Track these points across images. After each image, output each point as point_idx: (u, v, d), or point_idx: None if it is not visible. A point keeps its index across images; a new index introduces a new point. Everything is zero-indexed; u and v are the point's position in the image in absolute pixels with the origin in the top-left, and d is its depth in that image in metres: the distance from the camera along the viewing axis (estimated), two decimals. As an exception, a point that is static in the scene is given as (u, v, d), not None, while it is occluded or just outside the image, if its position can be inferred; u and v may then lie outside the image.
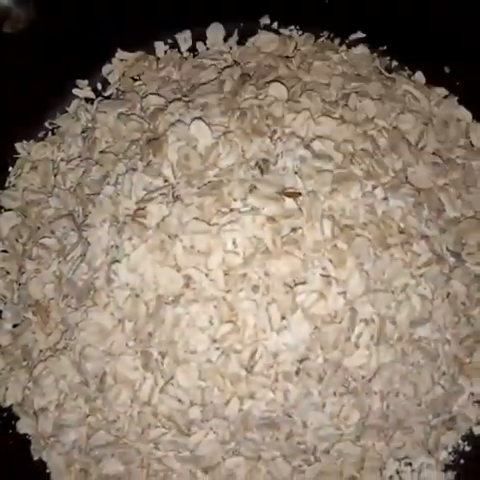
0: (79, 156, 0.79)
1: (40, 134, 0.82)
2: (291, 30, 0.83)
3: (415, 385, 0.71)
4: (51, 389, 0.73)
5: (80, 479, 0.74)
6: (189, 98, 0.76)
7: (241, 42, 0.83)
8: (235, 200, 0.69)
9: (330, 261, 0.68)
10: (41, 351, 0.74)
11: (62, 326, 0.74)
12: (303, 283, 0.67)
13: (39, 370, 0.73)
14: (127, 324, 0.69)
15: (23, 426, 0.75)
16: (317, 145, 0.71)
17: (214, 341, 0.67)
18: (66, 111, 0.82)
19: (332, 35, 0.83)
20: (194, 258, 0.67)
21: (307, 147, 0.71)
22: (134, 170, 0.72)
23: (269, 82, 0.75)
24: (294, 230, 0.68)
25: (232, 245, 0.67)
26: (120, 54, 0.83)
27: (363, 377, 0.70)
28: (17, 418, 0.75)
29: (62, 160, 0.80)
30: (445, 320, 0.72)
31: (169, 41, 0.84)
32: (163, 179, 0.71)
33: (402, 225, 0.71)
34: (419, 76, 0.81)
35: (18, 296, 0.77)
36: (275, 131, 0.72)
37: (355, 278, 0.67)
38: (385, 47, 0.82)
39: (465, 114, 0.79)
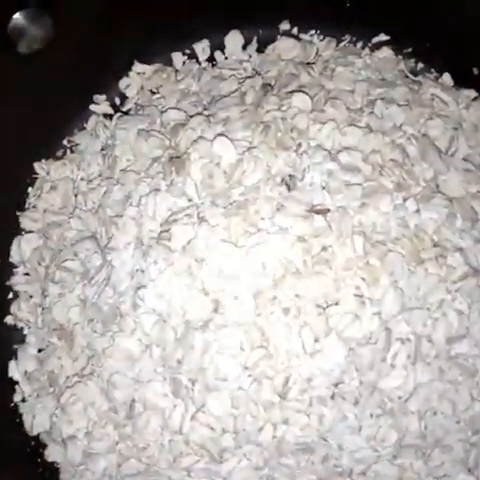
0: (100, 175, 0.78)
1: (59, 152, 0.81)
2: (312, 35, 0.82)
3: (453, 403, 0.69)
4: (79, 416, 0.73)
5: None
6: (210, 112, 0.75)
7: (261, 49, 0.82)
8: (262, 219, 0.68)
9: (363, 279, 0.67)
10: (68, 377, 0.74)
11: (88, 351, 0.73)
12: (336, 304, 0.66)
13: (66, 397, 0.72)
14: (155, 350, 0.68)
15: (52, 454, 0.74)
16: (344, 157, 0.70)
17: (245, 368, 0.66)
18: (84, 128, 0.82)
19: (354, 39, 0.81)
20: (222, 282, 0.67)
21: (334, 160, 0.70)
22: (157, 190, 0.71)
23: (291, 92, 0.74)
24: (324, 249, 0.67)
25: (261, 267, 0.66)
26: (137, 67, 0.82)
27: (400, 397, 0.68)
28: (45, 446, 0.75)
29: (82, 179, 0.79)
30: None
31: (187, 51, 0.83)
32: (187, 199, 0.70)
33: (435, 238, 0.69)
34: (446, 78, 0.79)
35: (42, 320, 0.76)
36: (300, 144, 0.71)
37: (390, 296, 0.66)
38: (410, 49, 0.80)
39: None
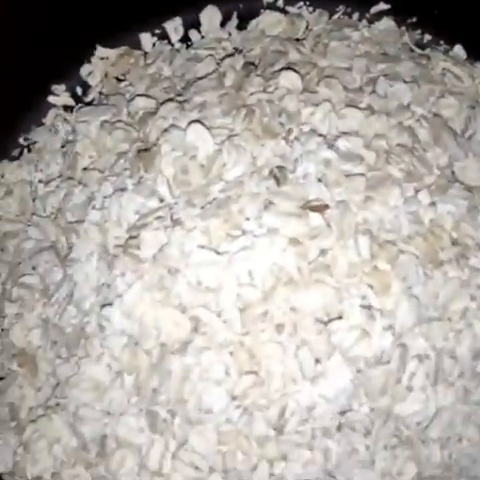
0: (59, 176, 0.76)
1: (14, 152, 0.78)
2: (300, 7, 0.80)
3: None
4: (44, 455, 0.68)
5: None
6: (184, 97, 0.72)
7: (242, 26, 0.79)
8: (248, 220, 0.64)
9: (370, 287, 0.63)
10: (30, 409, 0.70)
11: (53, 379, 0.69)
12: (339, 318, 0.62)
13: (29, 433, 0.68)
14: (127, 378, 0.65)
15: None
16: (343, 143, 0.67)
17: (233, 397, 0.63)
18: (42, 123, 0.79)
19: (350, 10, 0.79)
20: (202, 295, 0.63)
21: (331, 147, 0.66)
22: (123, 190, 0.68)
23: (279, 71, 0.71)
24: (323, 252, 0.63)
25: (247, 277, 0.63)
26: (100, 51, 0.80)
27: (418, 424, 0.65)
28: None
29: (40, 181, 0.77)
30: None
31: (157, 32, 0.80)
32: (158, 199, 0.67)
33: (455, 235, 0.66)
34: (459, 50, 0.77)
35: (0, 344, 0.73)
36: (291, 130, 0.68)
37: (403, 307, 0.62)
38: (414, 19, 0.78)
39: None
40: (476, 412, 0.66)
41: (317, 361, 0.62)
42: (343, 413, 0.63)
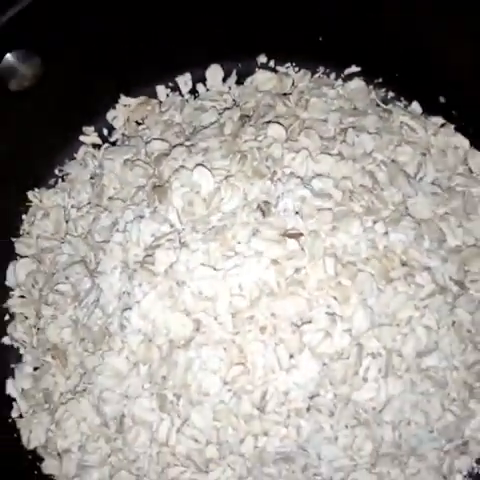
0: (89, 202, 0.80)
1: (51, 181, 0.83)
2: (288, 67, 0.84)
3: (426, 413, 0.72)
4: (73, 431, 0.75)
5: None
6: (191, 142, 0.78)
7: (240, 81, 0.84)
8: (239, 243, 0.70)
9: (334, 298, 0.69)
10: (62, 394, 0.76)
11: (81, 369, 0.75)
12: (309, 322, 0.68)
13: (61, 413, 0.74)
14: (142, 368, 0.71)
15: (48, 467, 0.76)
16: (316, 184, 0.72)
17: (226, 383, 0.68)
18: (74, 158, 0.84)
19: (328, 70, 0.84)
20: (202, 303, 0.69)
21: (307, 186, 0.72)
22: (141, 217, 0.74)
23: (268, 122, 0.77)
24: (298, 270, 0.69)
25: (238, 289, 0.68)
26: (123, 100, 0.84)
27: (373, 409, 0.70)
28: (42, 459, 0.77)
29: (73, 207, 0.81)
30: (452, 348, 0.72)
31: (170, 84, 0.85)
32: (169, 225, 0.73)
33: (404, 258, 0.71)
34: (415, 106, 0.82)
35: (37, 340, 0.78)
36: (275, 172, 0.73)
37: (359, 314, 0.68)
38: (380, 79, 0.83)
39: (463, 141, 0.79)
40: (422, 400, 0.71)
41: (291, 356, 0.68)
42: (312, 397, 0.68)
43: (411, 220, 0.73)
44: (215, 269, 0.69)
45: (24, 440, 0.77)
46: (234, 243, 0.70)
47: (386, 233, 0.72)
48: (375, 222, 0.72)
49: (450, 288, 0.73)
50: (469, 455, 0.75)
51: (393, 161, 0.76)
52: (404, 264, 0.71)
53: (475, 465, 0.77)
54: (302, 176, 0.73)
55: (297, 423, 0.69)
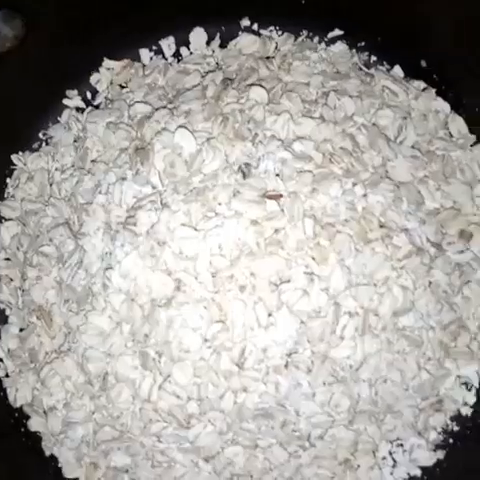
0: (72, 165, 0.81)
1: (35, 145, 0.84)
2: (271, 31, 0.85)
3: (401, 371, 0.73)
4: (58, 389, 0.76)
5: (90, 472, 0.76)
6: (174, 105, 0.78)
7: (223, 45, 0.84)
8: (220, 204, 0.71)
9: (313, 259, 0.70)
10: (47, 353, 0.77)
11: (65, 329, 0.76)
12: (287, 281, 0.69)
13: (46, 372, 0.76)
14: (124, 326, 0.72)
15: (34, 424, 0.77)
16: (297, 146, 0.73)
17: (206, 340, 0.70)
18: (58, 122, 0.84)
19: (311, 34, 0.84)
20: (183, 262, 0.70)
21: (287, 149, 0.72)
22: (124, 179, 0.74)
23: (250, 85, 0.77)
24: (277, 231, 0.70)
25: (218, 248, 0.70)
26: (107, 63, 0.85)
27: (351, 366, 0.72)
28: (28, 417, 0.78)
29: (57, 170, 0.81)
30: (428, 308, 0.73)
31: (154, 48, 0.85)
32: (151, 187, 0.73)
33: (382, 220, 0.72)
34: (397, 70, 0.82)
35: (22, 302, 0.79)
36: (256, 134, 0.74)
37: (337, 274, 0.69)
38: (363, 43, 0.83)
39: (443, 106, 0.80)
40: (398, 359, 0.72)
41: (269, 314, 0.69)
42: (290, 355, 0.69)
43: (390, 182, 0.74)
44: (196, 229, 0.70)
45: (11, 398, 0.78)
46: (215, 204, 0.71)
47: (365, 195, 0.72)
48: (354, 184, 0.72)
49: (427, 249, 0.74)
50: (443, 412, 0.77)
51: (374, 124, 0.76)
52: (382, 226, 0.72)
53: (449, 422, 0.78)
54: (283, 139, 0.73)
55: (275, 379, 0.70)
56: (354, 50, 0.83)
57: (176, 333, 0.70)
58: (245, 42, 0.83)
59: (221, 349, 0.69)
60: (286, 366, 0.70)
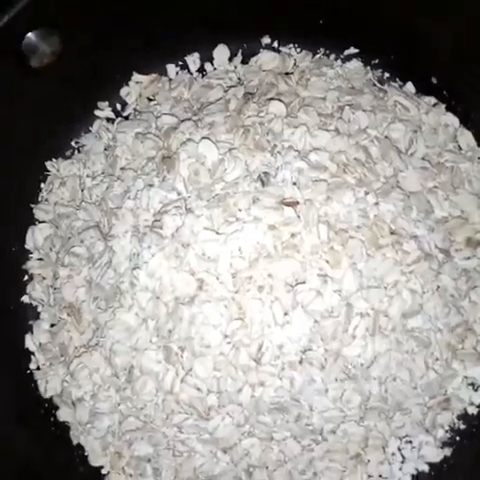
0: (102, 172, 0.83)
1: (67, 153, 0.86)
2: (290, 48, 0.87)
3: (410, 370, 0.75)
4: (86, 381, 0.78)
5: (115, 460, 0.79)
6: (198, 117, 0.81)
7: (245, 61, 0.87)
8: (240, 210, 0.73)
9: (327, 262, 0.72)
10: (76, 348, 0.79)
11: (94, 325, 0.79)
12: (303, 283, 0.72)
13: (75, 365, 0.78)
14: (150, 323, 0.74)
15: (63, 415, 0.80)
16: (313, 157, 0.75)
17: (226, 336, 0.72)
18: (90, 131, 0.87)
19: (328, 51, 0.87)
20: (205, 264, 0.72)
21: (304, 159, 0.75)
22: (151, 185, 0.77)
23: (270, 99, 0.80)
24: (293, 236, 0.72)
25: (238, 251, 0.72)
26: (136, 77, 0.87)
27: (362, 364, 0.74)
28: (57, 407, 0.80)
29: (88, 176, 0.84)
30: (436, 311, 0.75)
31: (180, 63, 0.88)
32: (176, 193, 0.76)
33: (393, 227, 0.74)
34: (409, 86, 0.85)
35: (54, 299, 0.81)
36: (275, 146, 0.76)
37: (349, 276, 0.72)
38: (377, 61, 0.86)
39: (453, 120, 0.82)
40: (407, 359, 0.74)
41: (285, 313, 0.71)
42: (304, 351, 0.72)
43: (401, 192, 0.76)
44: (217, 233, 0.72)
45: (41, 390, 0.81)
46: (235, 210, 0.73)
47: (377, 203, 0.75)
48: (367, 193, 0.75)
49: (435, 255, 0.76)
50: (451, 411, 0.79)
51: (386, 137, 0.79)
52: (392, 232, 0.74)
53: (456, 421, 0.80)
54: (300, 150, 0.76)
55: (290, 375, 0.72)
56: (368, 67, 0.86)
57: (198, 329, 0.72)
58: (265, 59, 0.86)
59: (240, 345, 0.72)
60: (300, 362, 0.72)
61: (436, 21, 0.80)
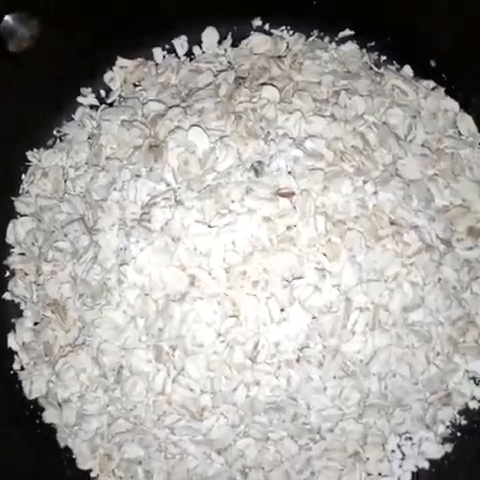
0: (86, 162, 0.81)
1: (49, 142, 0.84)
2: (282, 31, 0.85)
3: (411, 366, 0.74)
4: (73, 382, 0.76)
5: (104, 463, 0.77)
6: (187, 103, 0.79)
7: (235, 44, 0.85)
8: (233, 202, 0.72)
9: (324, 255, 0.71)
10: (61, 347, 0.78)
11: (79, 323, 0.77)
12: (299, 277, 0.70)
13: (60, 365, 0.76)
14: (139, 321, 0.73)
15: (49, 416, 0.78)
16: (309, 144, 0.74)
17: (219, 334, 0.71)
18: (72, 119, 0.84)
19: (322, 34, 0.85)
20: (197, 258, 0.71)
21: (299, 147, 0.73)
22: (138, 176, 0.75)
23: (262, 84, 0.78)
24: (289, 228, 0.71)
25: (231, 245, 0.71)
26: (120, 61, 0.85)
27: (361, 361, 0.73)
28: (43, 409, 0.79)
29: (71, 167, 0.82)
30: (437, 304, 0.74)
31: (167, 47, 0.86)
32: (165, 184, 0.74)
33: (392, 217, 0.73)
34: (407, 70, 0.83)
35: (37, 296, 0.80)
36: (269, 133, 0.75)
37: (348, 270, 0.70)
38: (373, 43, 0.84)
39: (452, 104, 0.80)
40: (407, 354, 0.73)
41: (282, 309, 0.70)
42: (301, 349, 0.70)
43: (400, 180, 0.74)
44: (209, 226, 0.71)
45: (26, 391, 0.79)
46: (228, 201, 0.71)
47: (375, 193, 0.73)
48: (365, 182, 0.73)
49: (437, 246, 0.74)
50: (452, 406, 0.78)
51: (384, 123, 0.77)
52: (392, 223, 0.73)
53: (457, 416, 0.79)
54: (295, 137, 0.74)
55: (287, 373, 0.71)
56: (364, 50, 0.84)
57: (190, 327, 0.71)
58: (257, 41, 0.84)
59: (234, 343, 0.70)
60: (298, 360, 0.71)
61: (436, 3, 0.78)
